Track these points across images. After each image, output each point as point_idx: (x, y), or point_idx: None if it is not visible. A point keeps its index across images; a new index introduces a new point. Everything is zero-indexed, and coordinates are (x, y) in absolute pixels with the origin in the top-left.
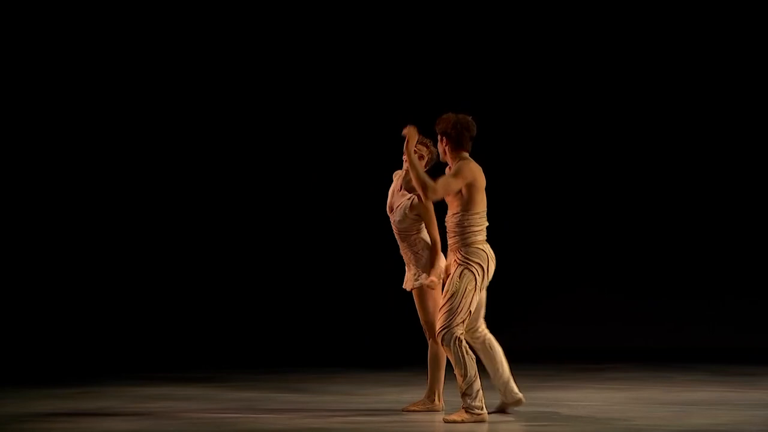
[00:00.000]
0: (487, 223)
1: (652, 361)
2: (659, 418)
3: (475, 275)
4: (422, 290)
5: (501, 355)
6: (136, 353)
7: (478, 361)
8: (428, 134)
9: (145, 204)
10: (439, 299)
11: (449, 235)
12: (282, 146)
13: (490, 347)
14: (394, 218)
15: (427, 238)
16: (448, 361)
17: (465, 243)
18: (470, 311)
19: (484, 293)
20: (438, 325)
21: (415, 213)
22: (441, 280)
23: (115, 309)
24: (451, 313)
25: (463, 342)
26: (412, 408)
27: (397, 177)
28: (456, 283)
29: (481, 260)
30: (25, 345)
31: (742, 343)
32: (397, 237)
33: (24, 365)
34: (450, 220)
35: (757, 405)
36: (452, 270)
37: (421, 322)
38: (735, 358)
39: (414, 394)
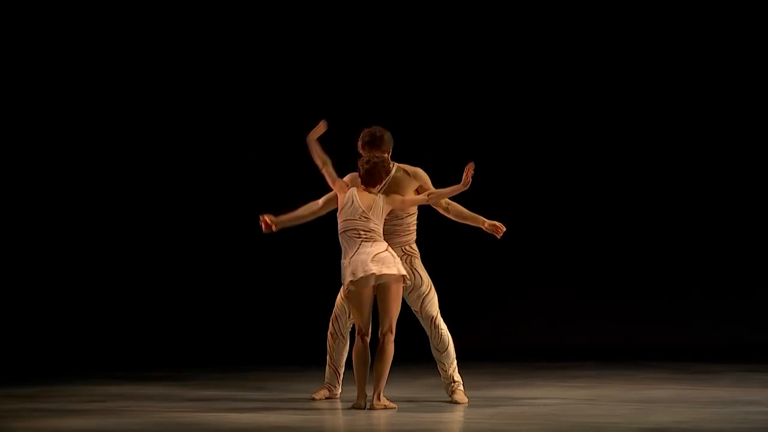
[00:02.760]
0: None
1: (612, 359)
2: (620, 415)
3: None
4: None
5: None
6: (97, 352)
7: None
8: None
9: (104, 203)
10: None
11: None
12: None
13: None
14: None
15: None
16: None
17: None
18: None
19: None
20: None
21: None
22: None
23: (75, 308)
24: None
25: None
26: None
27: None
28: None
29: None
30: None
31: (701, 341)
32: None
33: None
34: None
35: (716, 402)
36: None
37: (391, 316)
38: (694, 356)
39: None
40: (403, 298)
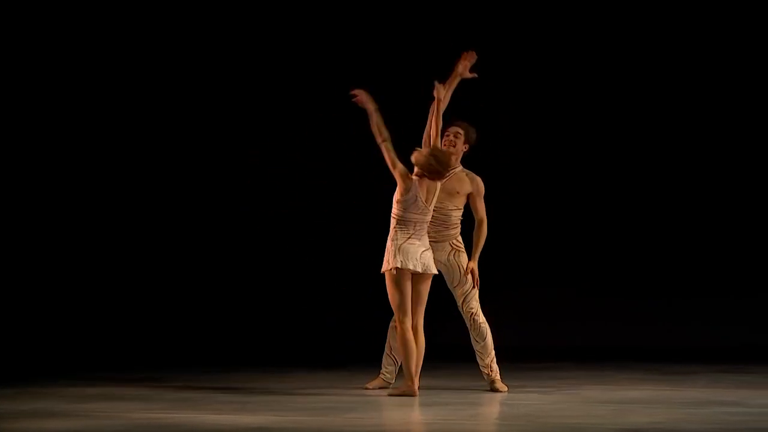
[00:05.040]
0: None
1: (589, 359)
2: (597, 416)
3: None
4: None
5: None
6: (77, 354)
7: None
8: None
9: (89, 205)
10: None
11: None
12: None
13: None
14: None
15: None
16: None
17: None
18: None
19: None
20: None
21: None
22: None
23: (54, 309)
24: None
25: None
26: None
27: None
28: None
29: None
30: None
31: (678, 342)
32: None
33: None
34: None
35: (693, 403)
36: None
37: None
38: (670, 357)
39: (354, 396)
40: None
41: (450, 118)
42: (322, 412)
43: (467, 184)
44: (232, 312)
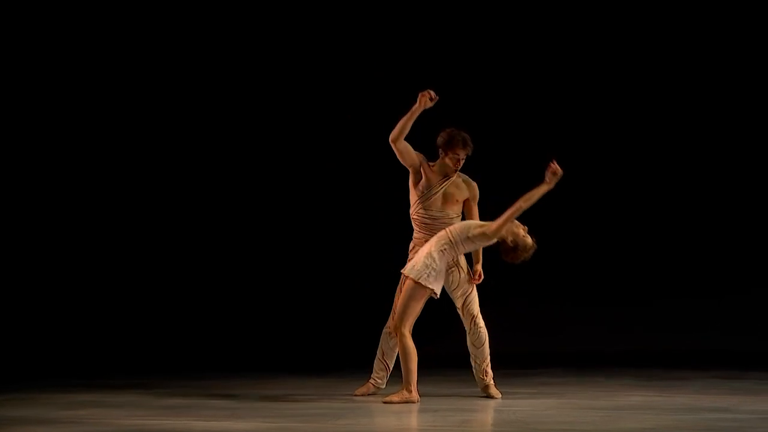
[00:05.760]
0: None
1: (579, 365)
2: (587, 423)
3: None
4: None
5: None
6: (64, 360)
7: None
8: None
9: (75, 212)
10: None
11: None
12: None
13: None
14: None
15: None
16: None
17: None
18: None
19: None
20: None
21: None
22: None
23: (45, 315)
24: None
25: None
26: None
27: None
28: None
29: None
30: None
31: (666, 347)
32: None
33: None
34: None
35: (682, 409)
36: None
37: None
38: (661, 363)
39: (344, 403)
40: (446, 293)
41: (447, 124)
42: (312, 419)
43: (465, 190)
44: (221, 318)
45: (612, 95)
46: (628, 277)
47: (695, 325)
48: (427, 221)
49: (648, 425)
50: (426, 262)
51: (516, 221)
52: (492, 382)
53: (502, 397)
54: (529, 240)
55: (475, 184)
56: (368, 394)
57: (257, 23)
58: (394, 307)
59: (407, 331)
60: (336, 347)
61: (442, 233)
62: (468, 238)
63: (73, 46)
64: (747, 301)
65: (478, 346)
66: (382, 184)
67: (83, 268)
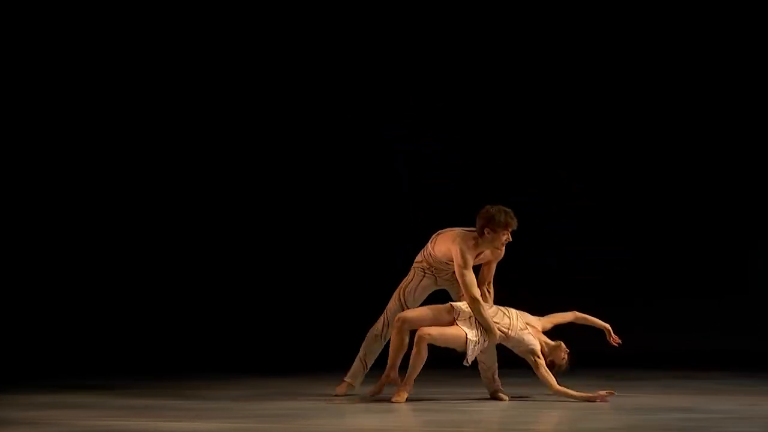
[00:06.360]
0: None
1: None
2: (548, 422)
3: None
4: None
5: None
6: (24, 361)
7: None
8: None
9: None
10: None
11: None
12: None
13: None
14: None
15: None
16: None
17: None
18: None
19: None
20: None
21: None
22: None
23: (8, 315)
24: None
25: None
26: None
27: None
28: None
29: None
30: None
31: (631, 348)
32: None
33: None
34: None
35: (644, 409)
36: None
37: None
38: (624, 363)
39: (313, 402)
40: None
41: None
42: (278, 419)
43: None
44: (187, 318)
45: (611, 95)
46: (593, 276)
47: (658, 325)
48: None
49: (610, 425)
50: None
51: (563, 345)
52: (500, 386)
53: (462, 397)
54: (564, 363)
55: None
56: (346, 394)
57: (257, 23)
58: (386, 310)
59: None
60: (308, 347)
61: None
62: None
63: (73, 46)
64: (716, 303)
65: (485, 352)
66: (382, 185)
67: (45, 269)
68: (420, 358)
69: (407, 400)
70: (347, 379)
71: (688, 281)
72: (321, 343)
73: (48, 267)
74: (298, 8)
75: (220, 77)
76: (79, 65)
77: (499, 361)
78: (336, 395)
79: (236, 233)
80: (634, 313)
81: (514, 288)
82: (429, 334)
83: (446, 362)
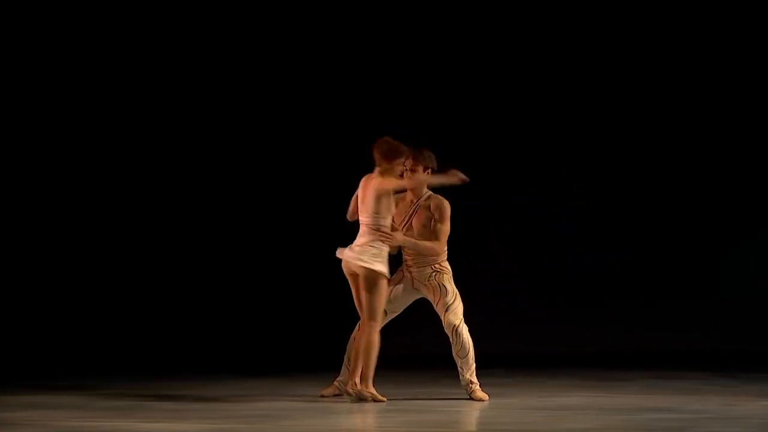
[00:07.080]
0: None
1: (522, 365)
2: (530, 423)
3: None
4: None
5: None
6: (7, 362)
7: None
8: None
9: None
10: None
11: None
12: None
13: None
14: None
15: None
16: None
17: None
18: None
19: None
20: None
21: None
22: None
23: None
24: None
25: None
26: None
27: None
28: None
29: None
30: None
31: (612, 348)
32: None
33: None
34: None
35: (625, 410)
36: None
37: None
38: (604, 363)
39: (290, 403)
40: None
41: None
42: (256, 420)
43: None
44: (166, 318)
45: (611, 96)
46: (573, 275)
47: (638, 326)
48: None
49: (592, 425)
50: (375, 254)
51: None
52: (478, 387)
53: (440, 398)
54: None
55: (443, 203)
56: (334, 395)
57: (257, 23)
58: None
59: (377, 327)
60: (287, 348)
61: None
62: None
63: (73, 46)
64: (696, 303)
65: (462, 356)
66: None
67: (24, 271)
68: (370, 353)
69: (388, 399)
70: (337, 382)
71: (688, 281)
72: (305, 344)
73: (27, 269)
74: (298, 8)
75: (220, 78)
76: (79, 65)
77: (477, 362)
78: (321, 395)
79: (222, 234)
80: (634, 313)
81: (514, 288)
82: (370, 324)
83: (426, 363)
